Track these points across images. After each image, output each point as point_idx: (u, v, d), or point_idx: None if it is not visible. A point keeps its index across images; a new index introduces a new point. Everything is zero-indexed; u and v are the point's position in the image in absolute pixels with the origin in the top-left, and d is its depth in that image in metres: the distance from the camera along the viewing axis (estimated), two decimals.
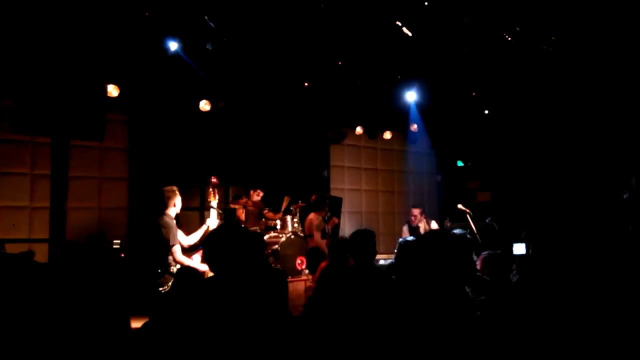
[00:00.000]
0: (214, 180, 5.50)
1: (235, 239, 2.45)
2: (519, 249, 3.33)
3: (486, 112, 8.90)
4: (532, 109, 8.61)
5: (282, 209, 7.03)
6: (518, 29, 6.52)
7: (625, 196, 8.37)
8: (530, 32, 6.67)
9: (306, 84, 7.47)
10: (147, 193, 7.23)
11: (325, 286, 3.18)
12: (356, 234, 3.70)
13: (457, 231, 2.16)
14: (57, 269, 3.06)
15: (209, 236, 2.53)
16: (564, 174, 9.09)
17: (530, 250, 3.40)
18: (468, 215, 6.92)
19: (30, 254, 4.73)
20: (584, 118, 8.39)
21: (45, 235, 6.43)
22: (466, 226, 6.69)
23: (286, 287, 3.09)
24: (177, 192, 5.05)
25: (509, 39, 6.70)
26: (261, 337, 2.24)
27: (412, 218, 7.38)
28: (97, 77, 5.98)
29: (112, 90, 6.17)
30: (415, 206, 7.57)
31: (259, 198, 6.98)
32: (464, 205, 7.13)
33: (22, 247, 6.19)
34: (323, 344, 2.62)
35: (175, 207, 5.00)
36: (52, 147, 6.50)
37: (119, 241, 6.44)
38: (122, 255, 6.35)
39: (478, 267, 3.28)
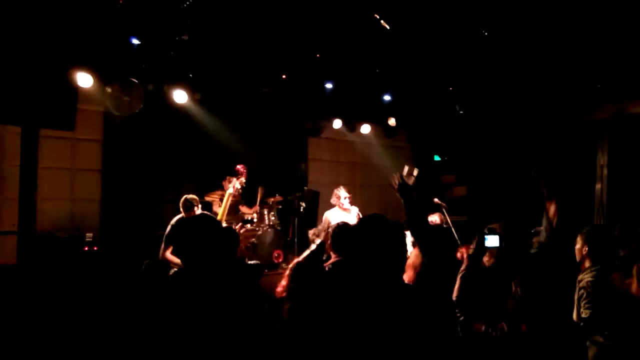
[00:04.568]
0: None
1: (207, 232, 2.43)
2: (492, 241, 3.36)
3: (461, 110, 8.96)
4: (508, 104, 8.71)
5: (257, 201, 6.97)
6: (494, 25, 6.56)
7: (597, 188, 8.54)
8: (506, 28, 6.73)
9: (284, 76, 7.40)
10: (121, 185, 7.15)
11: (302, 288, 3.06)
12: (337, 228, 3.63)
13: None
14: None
15: (180, 229, 2.49)
16: (538, 168, 9.22)
17: (504, 243, 3.44)
18: (444, 209, 6.98)
19: None
20: (558, 114, 8.53)
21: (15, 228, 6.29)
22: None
23: (259, 281, 3.06)
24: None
25: (486, 34, 6.75)
26: (232, 329, 2.22)
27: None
28: (68, 65, 5.82)
29: (86, 80, 6.01)
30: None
31: (230, 185, 6.87)
32: (439, 199, 7.18)
33: None
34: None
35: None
36: (22, 136, 6.35)
37: (91, 234, 6.34)
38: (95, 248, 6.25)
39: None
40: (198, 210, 5.68)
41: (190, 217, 5.60)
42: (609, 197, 8.31)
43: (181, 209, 5.65)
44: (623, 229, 4.66)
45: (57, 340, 2.44)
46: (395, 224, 2.03)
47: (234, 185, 6.32)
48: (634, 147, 8.11)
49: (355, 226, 2.15)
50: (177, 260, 5.31)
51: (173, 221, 5.64)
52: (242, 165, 6.52)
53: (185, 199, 5.67)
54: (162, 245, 5.54)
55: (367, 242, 1.96)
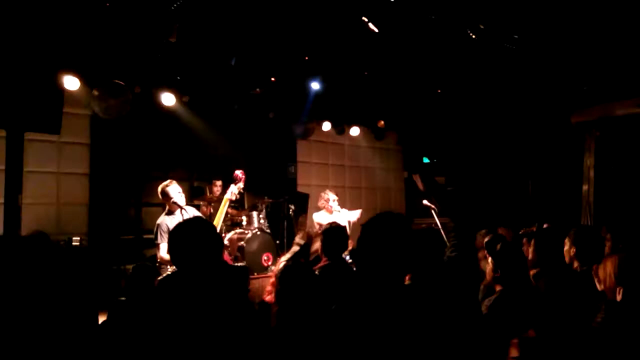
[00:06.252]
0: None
1: (200, 234, 2.40)
2: None
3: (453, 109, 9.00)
4: (496, 106, 8.76)
5: (245, 204, 6.95)
6: (482, 27, 6.59)
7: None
8: (494, 30, 6.76)
9: (273, 79, 7.38)
10: (109, 189, 7.08)
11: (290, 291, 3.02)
12: (328, 230, 3.62)
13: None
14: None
15: (174, 230, 2.45)
16: (526, 170, 9.30)
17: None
18: (433, 211, 6.99)
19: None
20: (545, 116, 8.59)
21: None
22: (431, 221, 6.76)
23: (246, 284, 3.04)
24: (170, 184, 4.90)
25: (474, 36, 6.78)
26: (222, 332, 2.19)
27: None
28: (54, 68, 5.75)
29: (72, 82, 5.94)
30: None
31: (219, 189, 6.83)
32: (429, 201, 7.20)
33: None
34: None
35: (171, 200, 4.85)
36: (7, 140, 6.26)
37: (78, 238, 6.26)
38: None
39: None
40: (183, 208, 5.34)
41: (185, 220, 5.44)
42: (596, 198, 8.39)
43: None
44: (610, 229, 4.69)
45: (38, 346, 2.41)
46: (405, 223, 1.91)
47: (232, 190, 6.30)
48: (620, 148, 8.20)
49: (368, 224, 2.01)
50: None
51: (159, 221, 5.36)
52: (240, 171, 6.49)
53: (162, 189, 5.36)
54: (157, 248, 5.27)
55: (381, 240, 1.86)
